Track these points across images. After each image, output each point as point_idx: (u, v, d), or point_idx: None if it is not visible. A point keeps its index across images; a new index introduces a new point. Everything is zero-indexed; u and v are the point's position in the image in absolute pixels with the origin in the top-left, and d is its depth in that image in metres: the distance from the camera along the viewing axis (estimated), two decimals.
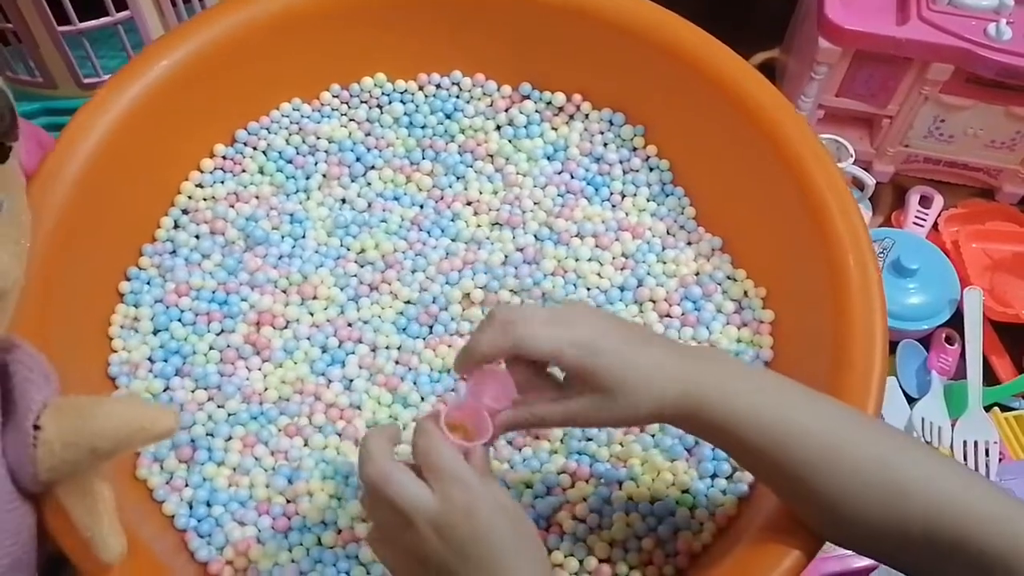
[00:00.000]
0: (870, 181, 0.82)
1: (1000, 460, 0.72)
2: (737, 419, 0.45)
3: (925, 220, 0.85)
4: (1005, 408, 0.75)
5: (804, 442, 0.44)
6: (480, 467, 0.44)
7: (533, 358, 0.46)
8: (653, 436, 0.60)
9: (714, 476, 0.59)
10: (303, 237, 0.68)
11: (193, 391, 0.61)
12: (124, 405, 0.44)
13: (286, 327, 0.64)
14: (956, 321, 0.77)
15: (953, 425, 0.73)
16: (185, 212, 0.68)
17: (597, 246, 0.68)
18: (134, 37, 0.76)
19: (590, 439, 0.60)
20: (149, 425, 0.43)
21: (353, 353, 0.64)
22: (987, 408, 0.74)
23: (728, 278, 0.67)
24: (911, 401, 0.75)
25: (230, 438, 0.60)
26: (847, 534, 0.46)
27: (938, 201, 0.86)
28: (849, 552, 0.63)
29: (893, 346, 0.77)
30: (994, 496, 0.43)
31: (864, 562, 0.63)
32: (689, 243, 0.69)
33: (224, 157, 0.70)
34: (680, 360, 0.46)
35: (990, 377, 0.77)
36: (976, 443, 0.72)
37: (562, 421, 0.46)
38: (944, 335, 0.78)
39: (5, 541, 0.43)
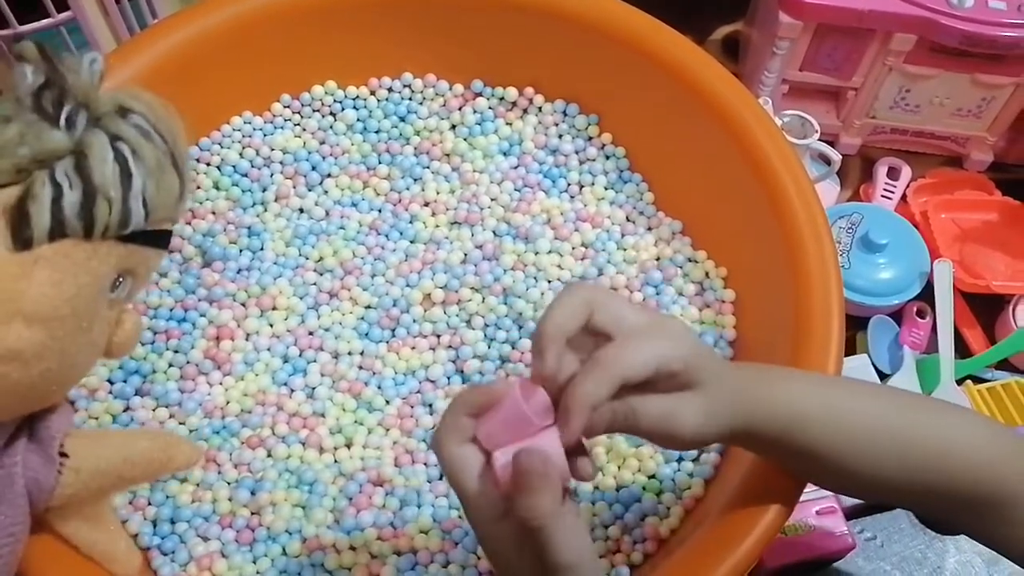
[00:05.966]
0: (836, 156, 0.81)
1: None
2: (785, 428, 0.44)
3: (893, 192, 0.84)
4: (978, 380, 0.74)
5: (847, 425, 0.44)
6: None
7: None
8: None
9: (680, 459, 0.58)
10: (261, 249, 0.67)
11: (154, 409, 0.60)
12: (152, 436, 0.48)
13: (246, 340, 0.64)
14: (928, 294, 0.76)
15: None
16: None
17: (556, 238, 0.68)
18: (78, 38, 0.74)
19: None
20: (175, 456, 0.46)
21: (315, 361, 0.63)
22: (960, 381, 0.72)
23: (689, 260, 0.67)
24: (884, 378, 0.74)
25: None
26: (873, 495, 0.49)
27: (906, 172, 0.85)
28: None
29: (864, 322, 0.76)
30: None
31: (838, 544, 0.62)
32: (649, 228, 0.69)
33: None
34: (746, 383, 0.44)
35: (963, 349, 0.76)
36: None
37: (657, 416, 0.40)
38: (915, 309, 0.77)
39: (3, 550, 0.44)
